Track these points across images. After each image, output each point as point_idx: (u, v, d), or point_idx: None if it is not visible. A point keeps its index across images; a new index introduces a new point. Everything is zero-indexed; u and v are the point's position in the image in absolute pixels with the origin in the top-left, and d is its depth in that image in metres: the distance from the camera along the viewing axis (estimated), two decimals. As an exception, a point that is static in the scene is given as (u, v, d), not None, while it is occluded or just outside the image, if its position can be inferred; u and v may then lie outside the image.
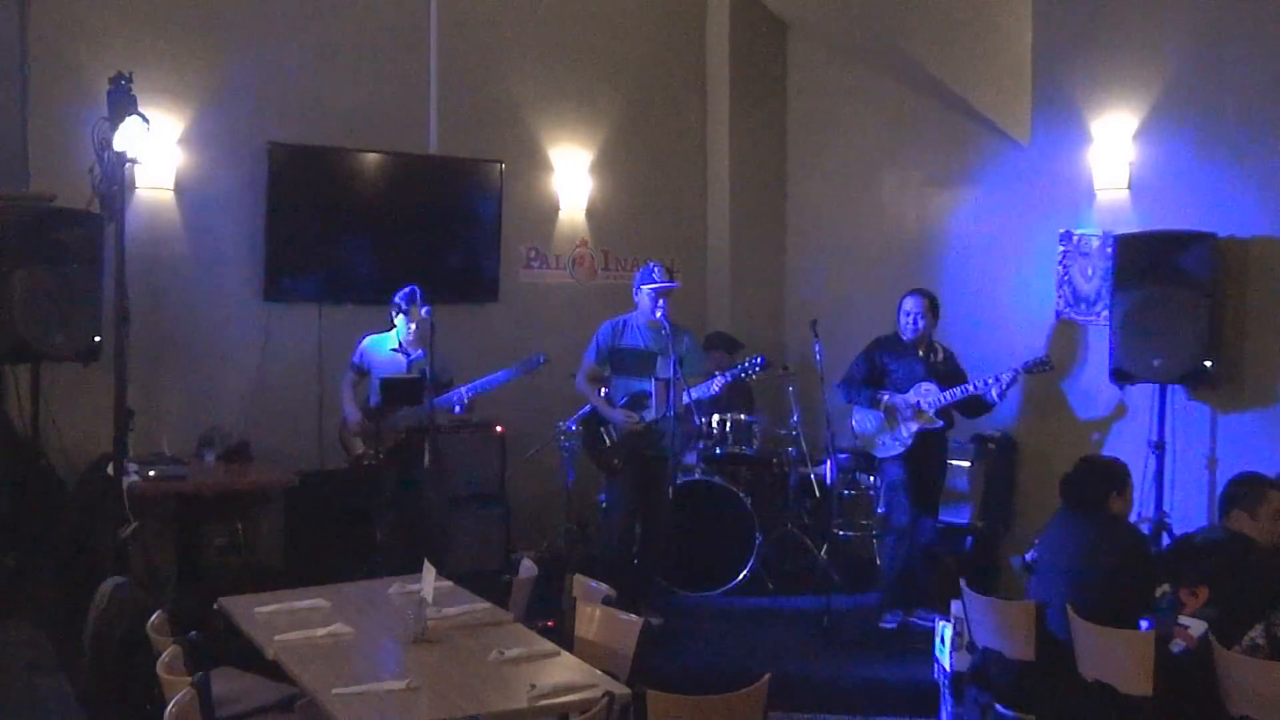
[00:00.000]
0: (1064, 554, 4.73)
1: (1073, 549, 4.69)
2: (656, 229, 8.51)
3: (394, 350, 6.36)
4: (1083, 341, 6.62)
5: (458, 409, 6.46)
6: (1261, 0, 5.80)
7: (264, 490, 6.63)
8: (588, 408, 6.74)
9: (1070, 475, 4.84)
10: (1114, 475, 4.78)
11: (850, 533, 7.41)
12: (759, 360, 6.37)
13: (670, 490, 6.31)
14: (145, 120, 5.35)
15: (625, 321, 6.50)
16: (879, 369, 6.45)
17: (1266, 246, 5.77)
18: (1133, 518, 5.96)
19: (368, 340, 6.50)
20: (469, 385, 6.44)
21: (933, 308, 6.41)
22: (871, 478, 7.24)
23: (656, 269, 6.41)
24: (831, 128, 8.39)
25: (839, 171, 8.34)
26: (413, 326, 6.26)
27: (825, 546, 7.25)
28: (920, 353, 6.40)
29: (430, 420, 6.12)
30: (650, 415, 6.30)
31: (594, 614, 4.24)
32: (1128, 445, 6.17)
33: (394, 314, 6.37)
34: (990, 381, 6.14)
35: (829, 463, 6.76)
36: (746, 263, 8.66)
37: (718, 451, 7.27)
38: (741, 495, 7.02)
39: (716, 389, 6.38)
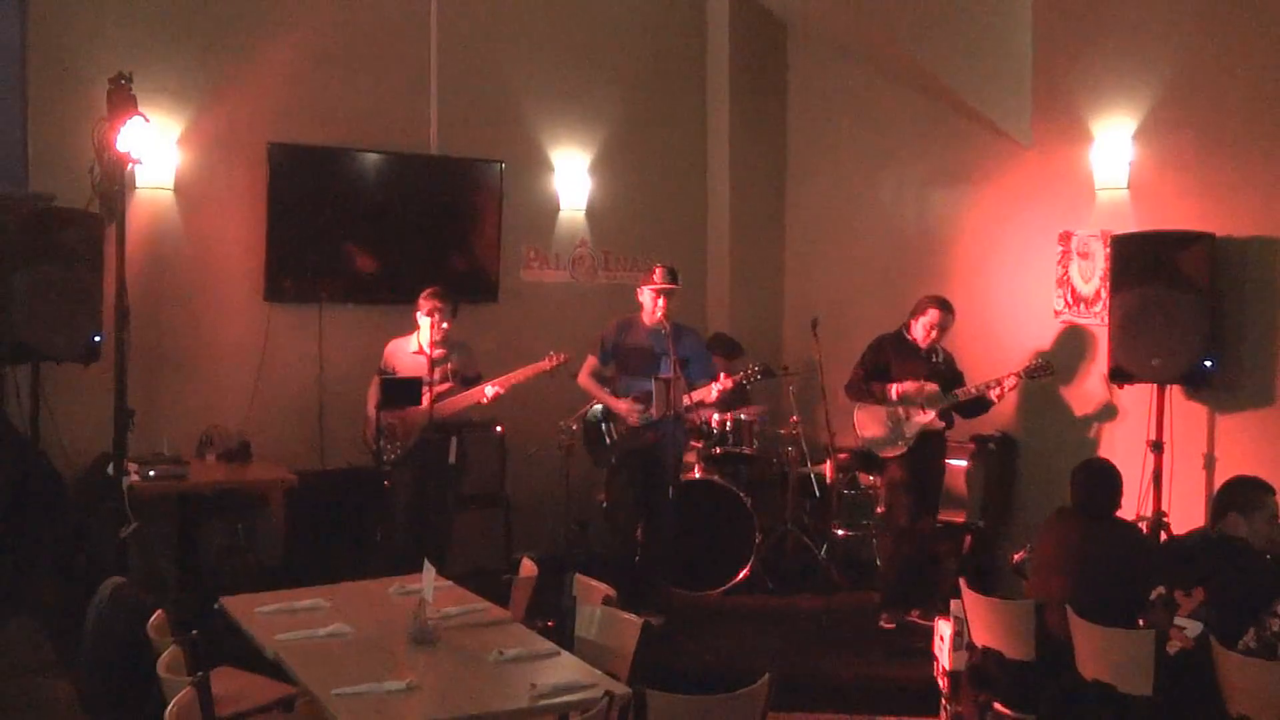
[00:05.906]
0: (1065, 553, 4.72)
1: (1075, 548, 4.69)
2: (656, 229, 8.50)
3: (414, 352, 6.40)
4: (1082, 341, 6.61)
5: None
6: (1261, 0, 5.80)
7: (264, 490, 6.63)
8: (590, 406, 6.73)
9: (1085, 483, 4.82)
10: (1121, 483, 4.81)
11: (850, 533, 7.40)
12: (759, 372, 6.43)
13: (672, 490, 6.31)
14: (145, 120, 5.35)
15: (632, 321, 6.55)
16: (882, 369, 6.45)
17: (1265, 246, 5.76)
18: (1131, 517, 6.00)
19: (392, 344, 6.55)
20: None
21: (951, 317, 6.41)
22: (871, 477, 7.25)
23: (659, 270, 6.45)
24: (831, 128, 8.39)
25: (839, 171, 8.34)
26: (428, 324, 6.29)
27: (825, 546, 7.26)
28: (922, 354, 6.42)
29: (459, 417, 6.33)
30: (651, 415, 6.31)
31: (594, 614, 4.24)
32: (1127, 445, 6.18)
33: (417, 315, 6.41)
34: (993, 384, 6.24)
35: (829, 463, 6.76)
36: (746, 263, 8.65)
37: (717, 451, 7.27)
38: (741, 495, 7.02)
39: (714, 396, 6.42)
